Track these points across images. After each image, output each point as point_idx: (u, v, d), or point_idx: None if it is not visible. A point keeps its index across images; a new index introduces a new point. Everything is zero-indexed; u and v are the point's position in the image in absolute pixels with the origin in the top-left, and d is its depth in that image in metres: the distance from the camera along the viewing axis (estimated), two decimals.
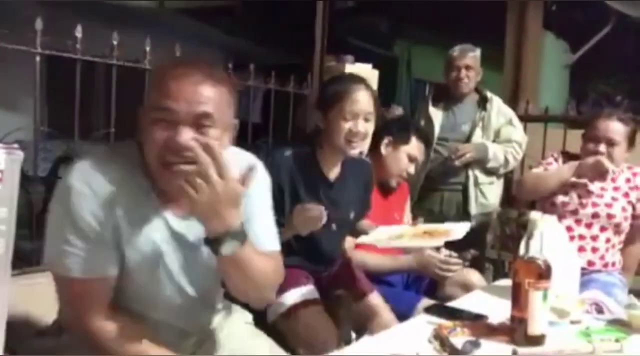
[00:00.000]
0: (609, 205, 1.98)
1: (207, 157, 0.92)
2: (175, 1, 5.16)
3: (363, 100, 1.65)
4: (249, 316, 1.35)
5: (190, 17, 5.74)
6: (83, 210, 1.00)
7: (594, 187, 2.00)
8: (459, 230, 1.63)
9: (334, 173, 1.75)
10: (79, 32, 1.94)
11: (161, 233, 1.06)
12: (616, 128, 1.98)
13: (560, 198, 2.01)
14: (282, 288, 1.61)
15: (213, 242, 0.99)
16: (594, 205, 1.99)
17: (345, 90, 1.65)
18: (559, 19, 6.43)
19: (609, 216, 1.97)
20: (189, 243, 1.09)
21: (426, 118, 2.71)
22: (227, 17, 6.22)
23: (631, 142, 2.02)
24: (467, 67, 2.66)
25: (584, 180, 1.97)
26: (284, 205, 1.59)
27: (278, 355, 1.27)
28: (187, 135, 0.96)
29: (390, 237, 1.61)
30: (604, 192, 2.01)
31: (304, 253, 1.71)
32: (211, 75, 1.01)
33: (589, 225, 1.99)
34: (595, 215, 1.98)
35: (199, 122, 0.98)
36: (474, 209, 2.70)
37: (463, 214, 2.70)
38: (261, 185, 1.20)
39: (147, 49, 2.14)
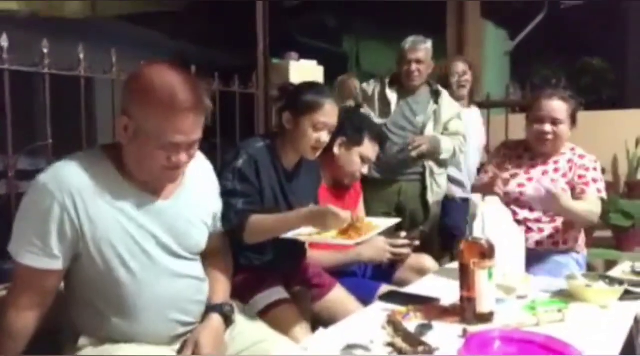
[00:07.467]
0: None
1: None
2: (113, 8, 5.02)
3: (332, 114, 1.71)
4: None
5: (132, 22, 5.63)
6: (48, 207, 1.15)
7: (535, 171, 2.04)
8: (384, 224, 1.64)
9: (291, 167, 1.79)
10: (4, 41, 1.84)
11: (149, 213, 1.26)
12: (559, 106, 2.01)
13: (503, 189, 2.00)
14: (253, 291, 1.67)
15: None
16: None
17: (319, 101, 1.70)
18: (497, 8, 6.63)
19: None
20: (172, 218, 1.30)
21: (383, 100, 2.72)
22: (171, 22, 6.13)
23: (573, 120, 2.05)
24: (418, 61, 2.68)
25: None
26: (261, 191, 1.66)
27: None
28: (183, 156, 1.24)
29: (311, 233, 1.54)
30: (545, 175, 2.05)
31: (273, 248, 1.72)
32: (201, 102, 1.22)
33: (531, 209, 2.03)
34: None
35: (193, 145, 1.25)
36: (431, 198, 2.76)
37: (420, 203, 2.75)
38: (216, 182, 1.48)
39: (81, 56, 2.07)
